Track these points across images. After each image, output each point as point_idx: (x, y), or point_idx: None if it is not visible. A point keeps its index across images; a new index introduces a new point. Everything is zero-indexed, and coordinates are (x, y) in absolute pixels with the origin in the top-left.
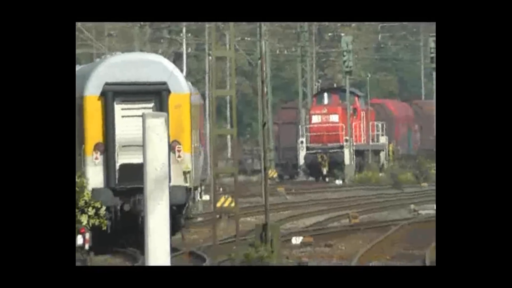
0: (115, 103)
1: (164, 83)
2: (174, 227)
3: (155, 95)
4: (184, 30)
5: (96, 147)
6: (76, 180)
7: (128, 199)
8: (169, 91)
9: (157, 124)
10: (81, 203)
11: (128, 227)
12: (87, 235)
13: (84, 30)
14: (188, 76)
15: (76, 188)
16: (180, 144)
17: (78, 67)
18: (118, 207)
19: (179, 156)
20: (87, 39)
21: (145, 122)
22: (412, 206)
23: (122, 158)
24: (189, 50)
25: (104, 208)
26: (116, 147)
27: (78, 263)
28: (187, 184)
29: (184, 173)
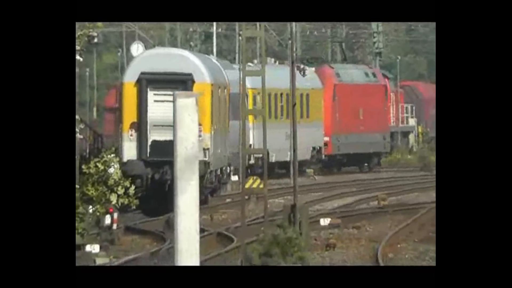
0: (148, 89)
1: (190, 74)
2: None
3: (182, 83)
4: None
5: (132, 126)
6: (106, 157)
7: (157, 170)
8: (193, 81)
9: (188, 103)
10: (110, 182)
11: (157, 193)
12: (115, 215)
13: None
14: (218, 56)
15: (105, 167)
16: (201, 125)
17: None
18: (149, 176)
19: (200, 136)
20: None
21: (176, 101)
22: None
23: (153, 136)
24: (220, 30)
25: (133, 187)
26: (148, 126)
27: (105, 243)
28: (206, 159)
29: (204, 149)
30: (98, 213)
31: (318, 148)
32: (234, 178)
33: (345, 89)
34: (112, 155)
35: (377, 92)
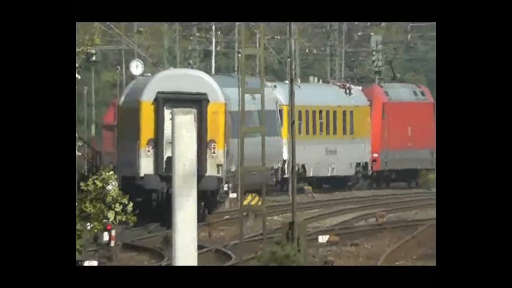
0: (164, 108)
1: (204, 94)
2: (211, 207)
3: (197, 103)
4: (213, 28)
5: (149, 142)
6: (104, 175)
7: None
8: (208, 100)
9: (186, 120)
10: (108, 199)
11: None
12: (113, 232)
13: (113, 26)
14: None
15: (103, 184)
16: (215, 143)
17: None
18: (164, 190)
19: (214, 152)
20: (116, 36)
21: (175, 118)
22: None
23: (169, 152)
24: (219, 48)
25: (131, 204)
26: (164, 143)
27: (103, 260)
28: (220, 175)
29: (218, 165)
30: (96, 230)
31: (364, 164)
32: (233, 195)
33: (394, 107)
34: (111, 172)
35: (425, 110)
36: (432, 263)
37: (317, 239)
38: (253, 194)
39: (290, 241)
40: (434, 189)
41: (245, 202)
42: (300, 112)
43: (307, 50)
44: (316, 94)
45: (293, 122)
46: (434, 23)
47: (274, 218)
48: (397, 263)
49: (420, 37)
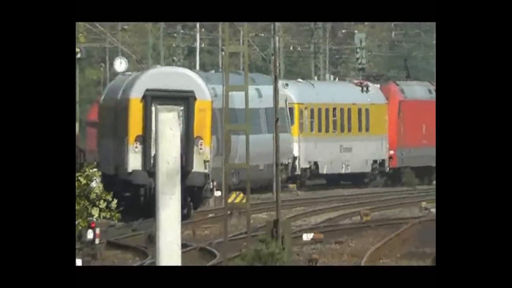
0: (152, 105)
1: (192, 92)
2: (197, 203)
3: (185, 100)
4: (198, 25)
5: (137, 138)
6: (88, 172)
7: None
8: (195, 98)
9: (170, 118)
10: (92, 196)
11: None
12: (98, 230)
13: (98, 24)
14: (200, 71)
15: (87, 181)
16: (202, 139)
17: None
18: (152, 186)
19: (200, 149)
20: (101, 33)
21: (158, 116)
22: (424, 204)
23: None
24: (203, 45)
25: (115, 201)
26: (152, 139)
27: (87, 258)
28: (206, 171)
29: (204, 162)
30: (80, 228)
31: (381, 161)
32: (217, 193)
33: (410, 105)
34: (94, 169)
35: None
36: (416, 261)
37: (301, 237)
38: (237, 192)
39: (275, 239)
40: (418, 188)
41: (229, 200)
42: (312, 110)
43: (291, 48)
44: (330, 92)
45: (277, 120)
46: (418, 22)
47: (259, 216)
48: (381, 261)
49: (404, 35)
